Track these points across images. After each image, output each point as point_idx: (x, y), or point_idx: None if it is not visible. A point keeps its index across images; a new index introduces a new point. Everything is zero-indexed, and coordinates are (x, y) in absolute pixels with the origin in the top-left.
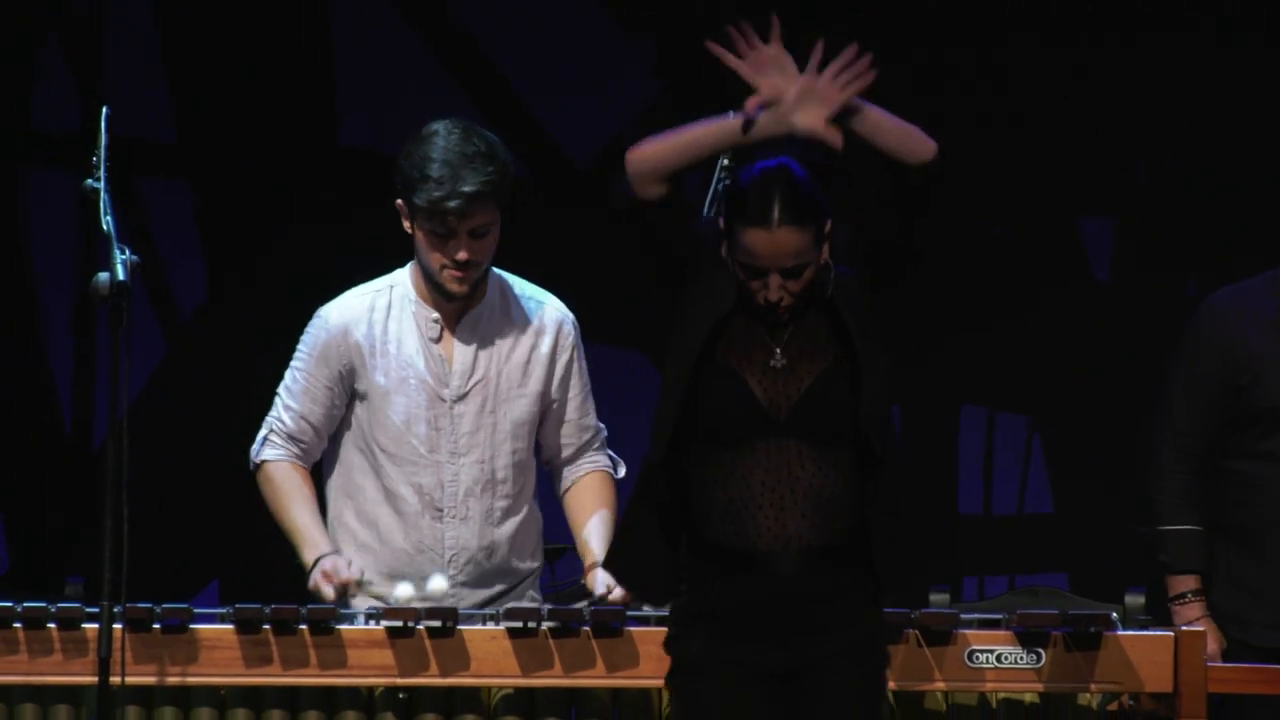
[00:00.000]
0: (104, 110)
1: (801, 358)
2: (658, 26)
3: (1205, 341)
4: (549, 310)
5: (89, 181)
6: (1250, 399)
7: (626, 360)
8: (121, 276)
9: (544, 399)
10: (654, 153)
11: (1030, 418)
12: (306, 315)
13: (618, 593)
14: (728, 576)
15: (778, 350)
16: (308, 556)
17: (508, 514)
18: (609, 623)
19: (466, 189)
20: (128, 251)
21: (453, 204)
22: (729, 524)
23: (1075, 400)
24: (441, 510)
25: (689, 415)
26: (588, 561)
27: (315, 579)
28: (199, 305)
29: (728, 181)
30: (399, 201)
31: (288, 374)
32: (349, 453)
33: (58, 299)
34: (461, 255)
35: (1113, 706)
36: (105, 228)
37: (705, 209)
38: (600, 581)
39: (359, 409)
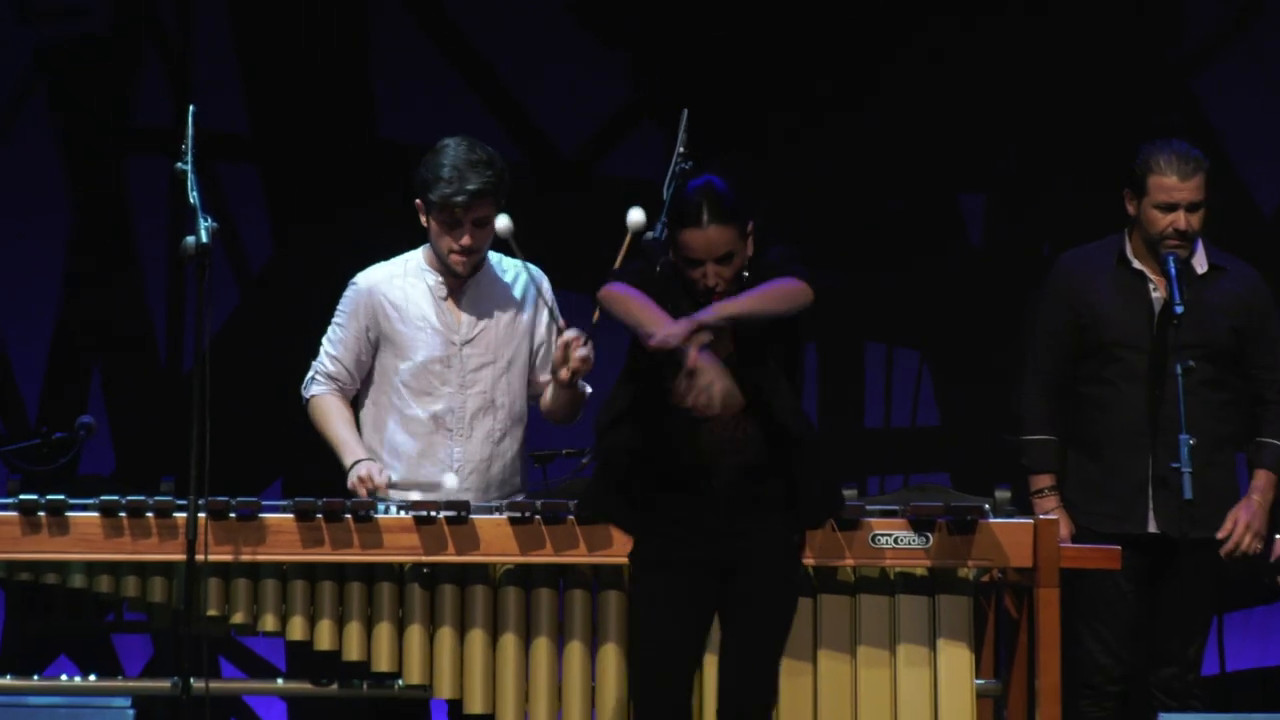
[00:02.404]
0: (190, 109)
1: (719, 340)
2: (627, 43)
3: (1056, 291)
4: (528, 271)
5: (179, 165)
6: (1091, 337)
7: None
8: (204, 239)
9: (532, 338)
10: (609, 304)
11: (921, 351)
12: (347, 271)
13: (570, 334)
14: (672, 495)
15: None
16: (347, 461)
17: (505, 434)
18: (594, 515)
19: (471, 187)
20: (209, 220)
21: (460, 199)
22: (662, 449)
23: (956, 338)
24: (451, 430)
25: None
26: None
27: (352, 480)
28: (264, 263)
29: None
30: (417, 200)
31: (329, 329)
32: (377, 393)
33: (155, 257)
34: (465, 241)
35: (985, 578)
36: (192, 201)
37: (659, 220)
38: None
39: (385, 356)
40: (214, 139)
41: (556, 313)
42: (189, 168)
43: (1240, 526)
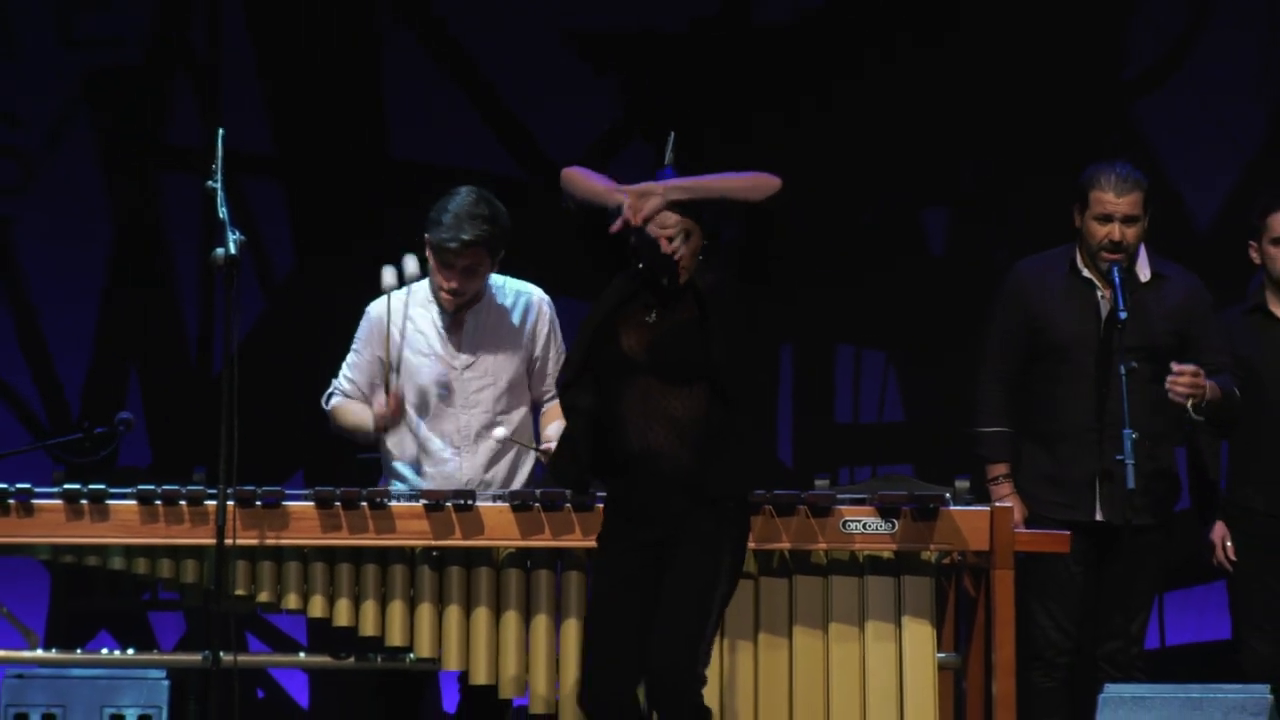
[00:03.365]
0: (219, 131)
1: (665, 320)
2: (616, 70)
3: (1012, 297)
4: (530, 296)
5: (209, 183)
6: (1043, 339)
7: (569, 309)
8: (232, 251)
9: (529, 361)
10: (571, 182)
11: (887, 353)
12: (360, 278)
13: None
14: (618, 474)
15: (654, 312)
16: (368, 421)
17: (505, 450)
18: (585, 502)
19: (465, 237)
20: (237, 233)
21: (453, 245)
22: (615, 437)
23: (919, 340)
24: (459, 448)
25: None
26: (543, 446)
27: (377, 412)
28: (288, 272)
29: None
30: (425, 234)
31: (349, 354)
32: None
33: (187, 266)
34: (453, 284)
35: (946, 561)
36: (221, 216)
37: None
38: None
39: (398, 381)
40: (241, 158)
41: (558, 335)
42: (218, 185)
43: (1190, 377)
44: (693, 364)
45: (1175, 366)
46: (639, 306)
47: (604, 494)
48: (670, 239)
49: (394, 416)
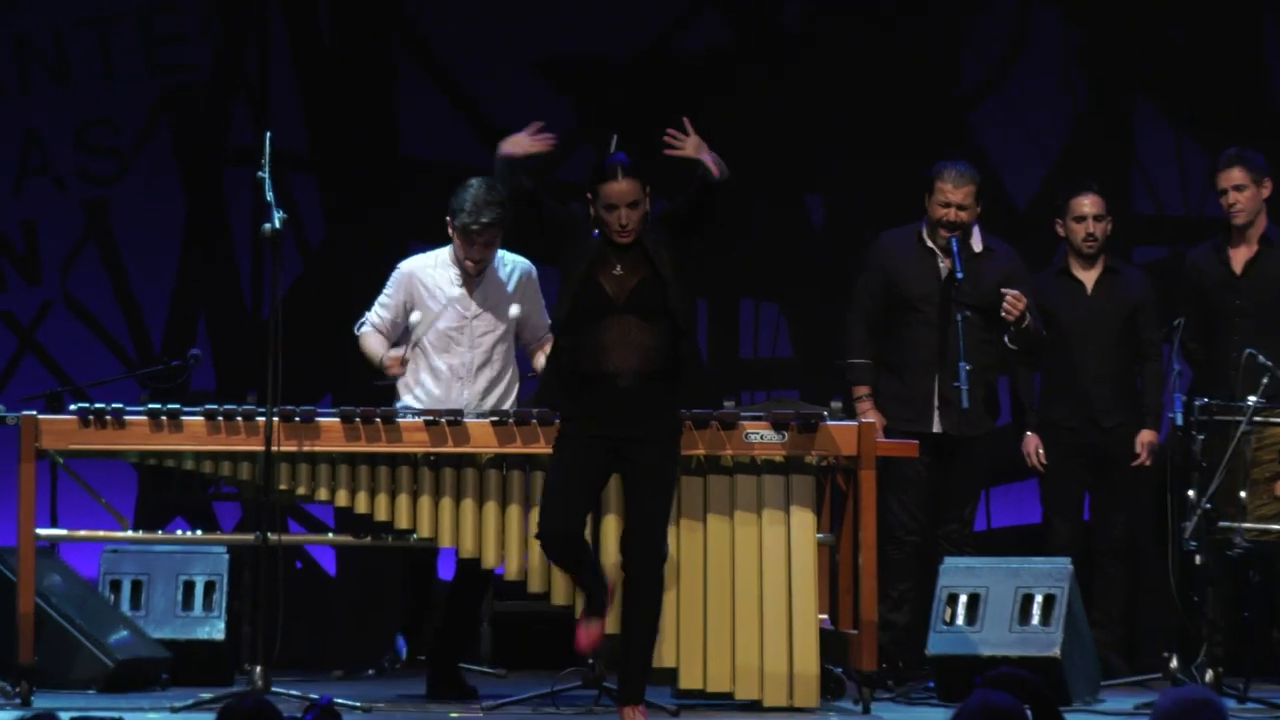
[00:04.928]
0: (268, 134)
1: (630, 272)
2: (572, 88)
3: (874, 261)
4: (520, 264)
5: (259, 174)
6: (897, 293)
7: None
8: (277, 226)
9: (522, 311)
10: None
11: (779, 304)
12: (378, 248)
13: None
14: (590, 388)
15: (618, 266)
16: (380, 354)
17: (498, 379)
18: (546, 418)
19: (485, 219)
20: (281, 212)
21: (475, 228)
22: (593, 361)
23: (804, 294)
24: (463, 378)
25: (576, 302)
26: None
27: (387, 360)
28: (319, 241)
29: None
30: (448, 218)
31: (381, 295)
32: (412, 347)
33: (243, 237)
34: (476, 255)
35: (824, 463)
36: (268, 199)
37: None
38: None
39: (418, 322)
40: (283, 155)
41: (539, 293)
42: (266, 176)
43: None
44: (657, 306)
45: (1007, 292)
46: (605, 262)
47: (565, 405)
48: (632, 204)
49: (396, 371)
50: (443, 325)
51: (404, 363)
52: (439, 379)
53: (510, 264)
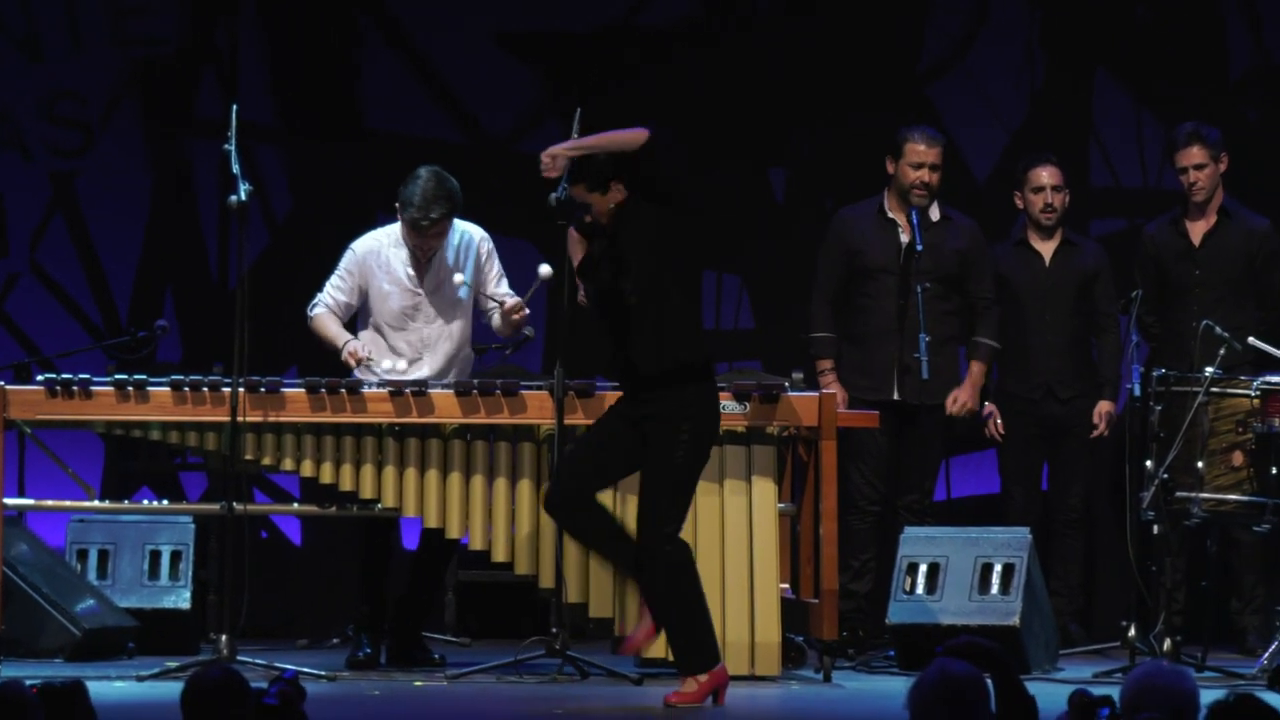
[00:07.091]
0: (234, 107)
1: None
2: (535, 59)
3: (835, 234)
4: (473, 233)
5: (225, 146)
6: (858, 264)
7: (506, 244)
8: (243, 198)
9: (476, 284)
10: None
11: (741, 276)
12: (341, 220)
13: (511, 301)
14: (619, 374)
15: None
16: (339, 344)
17: (455, 354)
18: (510, 389)
19: (433, 215)
20: (247, 184)
21: (424, 223)
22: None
23: (767, 267)
24: (420, 354)
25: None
26: (507, 305)
27: (344, 355)
28: (285, 214)
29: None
30: (397, 205)
31: (333, 275)
32: (369, 324)
33: (209, 208)
34: (425, 245)
35: (785, 434)
36: (234, 171)
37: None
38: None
39: (373, 299)
40: (250, 127)
41: (495, 258)
42: (233, 148)
43: (959, 402)
44: (627, 281)
45: (949, 409)
46: (589, 247)
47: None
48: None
49: (353, 364)
50: (397, 305)
51: (360, 362)
52: (399, 357)
53: (461, 234)
